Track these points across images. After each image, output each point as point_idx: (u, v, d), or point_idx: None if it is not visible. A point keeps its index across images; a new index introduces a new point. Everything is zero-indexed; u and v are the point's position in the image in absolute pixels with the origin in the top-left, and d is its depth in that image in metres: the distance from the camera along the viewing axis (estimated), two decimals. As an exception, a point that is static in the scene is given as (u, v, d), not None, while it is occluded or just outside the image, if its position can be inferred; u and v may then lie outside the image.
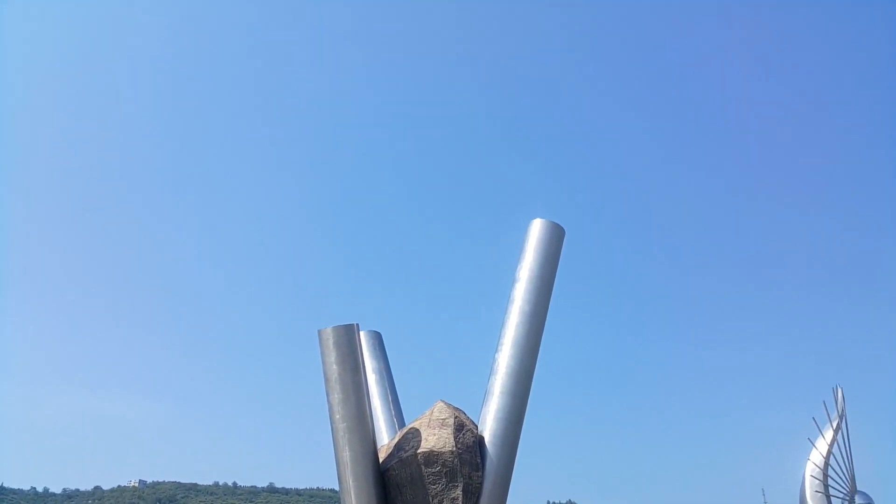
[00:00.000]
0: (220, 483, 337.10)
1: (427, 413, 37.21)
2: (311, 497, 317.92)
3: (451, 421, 36.40)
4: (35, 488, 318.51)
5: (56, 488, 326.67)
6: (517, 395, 37.37)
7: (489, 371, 37.60)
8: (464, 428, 36.66)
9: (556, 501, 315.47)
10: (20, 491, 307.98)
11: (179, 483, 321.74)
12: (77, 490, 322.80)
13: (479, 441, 37.00)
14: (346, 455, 33.52)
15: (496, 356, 37.95)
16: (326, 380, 36.38)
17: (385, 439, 38.70)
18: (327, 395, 35.70)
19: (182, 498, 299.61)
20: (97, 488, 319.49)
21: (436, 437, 35.39)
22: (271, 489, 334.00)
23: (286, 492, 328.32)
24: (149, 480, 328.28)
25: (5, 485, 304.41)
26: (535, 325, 36.34)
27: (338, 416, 34.81)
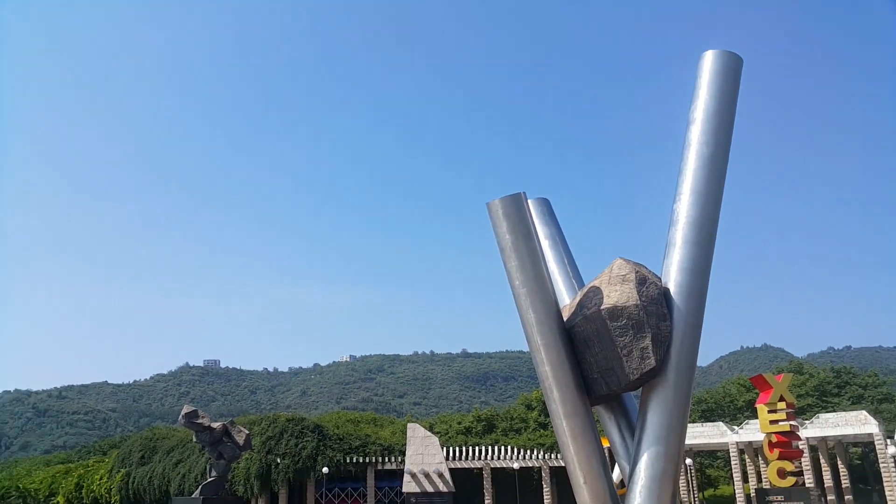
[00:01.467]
0: (420, 352, 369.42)
1: (606, 271, 37.66)
2: (503, 359, 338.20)
3: (633, 276, 36.57)
4: (266, 368, 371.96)
5: (283, 367, 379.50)
6: (701, 244, 36.29)
7: (668, 222, 36.69)
8: (647, 281, 36.75)
9: (751, 346, 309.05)
10: (255, 371, 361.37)
11: (384, 355, 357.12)
12: (300, 367, 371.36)
13: (665, 293, 36.99)
14: (531, 317, 35.38)
15: (675, 206, 36.69)
16: (501, 249, 38.04)
17: (566, 300, 40.07)
18: (504, 263, 37.39)
19: (388, 367, 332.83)
20: (316, 365, 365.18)
21: (618, 293, 35.92)
22: (465, 354, 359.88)
23: (479, 356, 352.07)
24: (358, 355, 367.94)
25: (244, 367, 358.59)
26: (716, 169, 34.28)
27: (517, 282, 36.54)
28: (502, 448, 63.03)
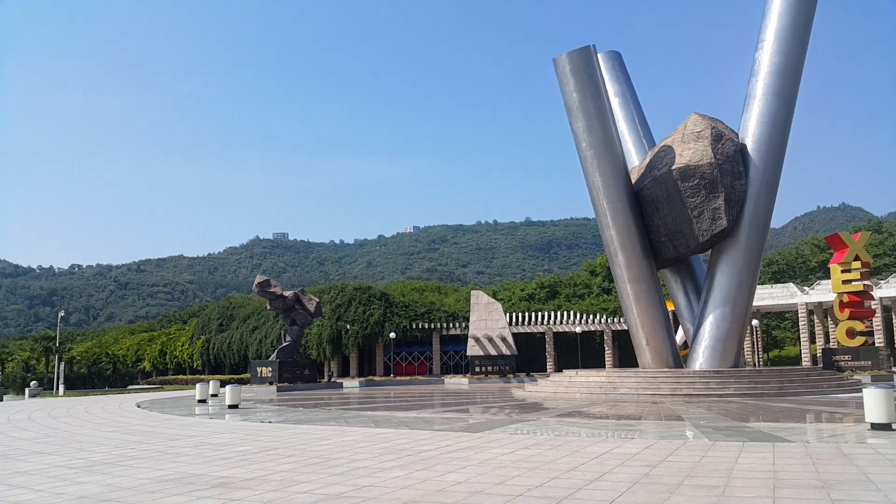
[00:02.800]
0: (482, 222, 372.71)
1: (679, 128, 36.09)
2: (566, 227, 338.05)
3: (708, 132, 35.04)
4: (333, 240, 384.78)
5: (349, 239, 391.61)
6: (783, 95, 34.15)
7: (749, 73, 34.30)
8: (722, 138, 35.22)
9: (828, 205, 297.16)
10: (322, 244, 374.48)
11: (447, 225, 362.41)
12: (366, 239, 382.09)
13: (741, 149, 35.45)
14: (597, 180, 34.81)
15: (757, 55, 34.32)
16: (568, 109, 36.80)
17: (635, 161, 38.97)
18: (571, 124, 36.29)
19: (451, 237, 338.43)
20: (381, 236, 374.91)
21: (691, 151, 34.64)
22: (528, 223, 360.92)
23: (542, 224, 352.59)
24: (421, 226, 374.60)
25: (311, 240, 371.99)
26: (803, 12, 31.46)
27: (584, 144, 35.63)
28: (565, 313, 64.52)
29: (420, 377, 58.94)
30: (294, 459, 11.94)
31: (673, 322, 35.79)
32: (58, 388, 56.75)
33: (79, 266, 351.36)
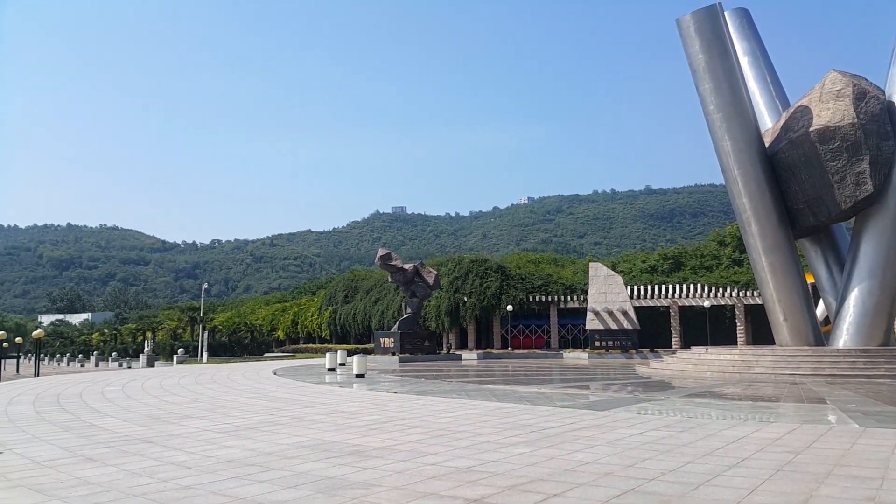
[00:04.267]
0: (599, 191, 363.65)
1: (817, 87, 33.26)
2: (691, 194, 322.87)
3: (849, 90, 32.07)
4: (449, 213, 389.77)
5: (464, 212, 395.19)
6: (942, 43, 30.34)
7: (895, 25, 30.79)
8: (866, 95, 32.10)
9: None
10: (439, 216, 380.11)
11: (562, 196, 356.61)
12: (480, 211, 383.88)
13: (888, 108, 32.12)
14: (727, 145, 32.81)
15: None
16: (693, 71, 34.86)
17: (768, 123, 36.32)
18: (697, 86, 34.36)
19: (567, 207, 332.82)
20: (495, 208, 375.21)
21: (830, 112, 31.86)
22: (648, 191, 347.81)
23: (664, 192, 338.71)
24: (536, 196, 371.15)
25: (428, 213, 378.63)
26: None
27: (711, 107, 33.65)
28: (691, 286, 61.80)
29: (538, 350, 58.78)
30: (420, 430, 12.24)
31: (813, 296, 33.36)
32: (202, 356, 61.63)
33: (218, 241, 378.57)
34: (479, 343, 66.55)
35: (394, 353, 44.06)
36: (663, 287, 62.35)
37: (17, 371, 41.92)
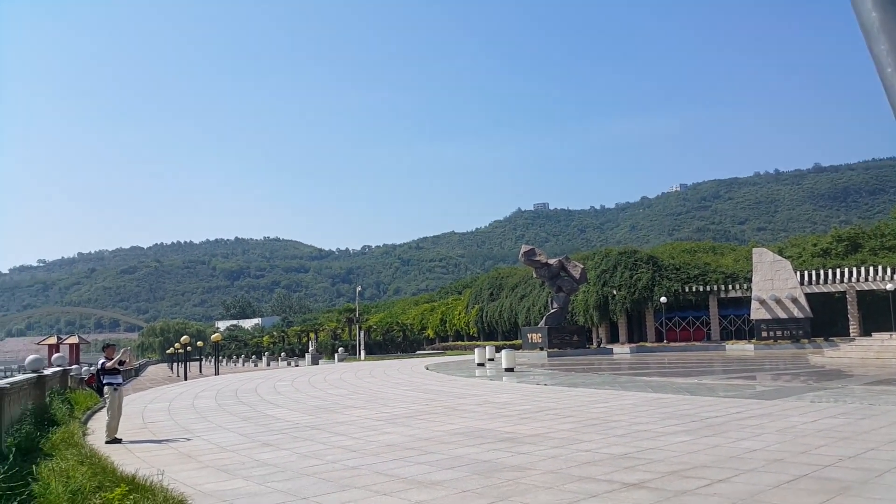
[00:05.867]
0: (761, 172, 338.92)
1: None
2: (866, 170, 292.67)
3: None
4: (594, 206, 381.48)
5: (610, 204, 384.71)
6: None
7: None
8: None
9: None
10: (583, 211, 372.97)
11: (718, 180, 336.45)
12: (627, 202, 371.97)
13: None
14: (909, 111, 29.39)
15: None
16: (866, 31, 31.25)
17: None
18: (870, 48, 30.97)
19: (724, 192, 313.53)
20: (644, 198, 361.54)
21: None
22: (817, 169, 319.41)
23: (835, 169, 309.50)
24: (689, 183, 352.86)
25: (571, 207, 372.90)
26: None
27: (889, 70, 30.17)
28: (871, 269, 56.00)
29: (696, 343, 55.94)
30: (573, 420, 12.16)
31: None
32: (359, 353, 64.93)
33: (369, 247, 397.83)
34: (631, 337, 64.49)
35: (542, 349, 43.85)
36: (838, 271, 57.01)
37: (200, 371, 46.58)
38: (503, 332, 78.24)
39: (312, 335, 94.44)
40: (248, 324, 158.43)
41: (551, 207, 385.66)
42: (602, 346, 55.21)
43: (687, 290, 61.61)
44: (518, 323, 72.51)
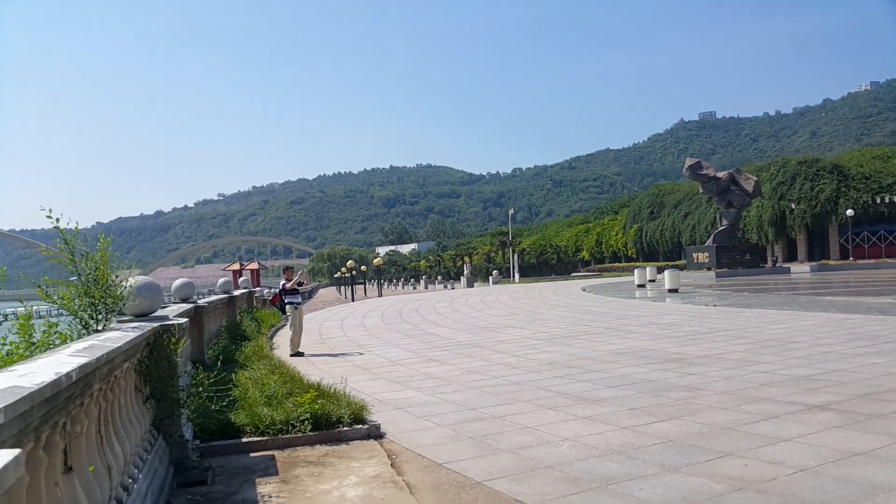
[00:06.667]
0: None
1: None
2: None
3: None
4: (767, 113, 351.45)
5: (786, 109, 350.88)
6: None
7: None
8: None
9: None
10: (755, 118, 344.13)
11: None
12: (807, 106, 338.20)
13: None
14: None
15: None
16: None
17: None
18: None
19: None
20: (826, 100, 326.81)
21: None
22: None
23: None
24: (881, 80, 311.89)
25: (741, 115, 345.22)
26: None
27: None
28: None
29: (889, 260, 50.60)
30: (747, 341, 11.60)
31: None
32: (513, 276, 65.78)
33: (519, 169, 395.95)
34: (812, 255, 59.57)
35: (709, 269, 41.79)
36: None
37: (365, 293, 49.67)
38: (664, 253, 75.53)
39: (466, 259, 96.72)
40: (405, 249, 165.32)
41: (718, 116, 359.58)
42: (778, 265, 51.57)
43: (878, 201, 55.53)
44: (681, 242, 69.55)
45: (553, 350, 11.74)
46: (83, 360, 2.80)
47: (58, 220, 4.43)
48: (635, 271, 33.90)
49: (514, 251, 74.70)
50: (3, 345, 3.83)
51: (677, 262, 60.18)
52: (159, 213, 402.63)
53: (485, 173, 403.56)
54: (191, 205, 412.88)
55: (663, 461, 5.06)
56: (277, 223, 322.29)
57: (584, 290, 31.96)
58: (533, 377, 9.08)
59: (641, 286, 32.00)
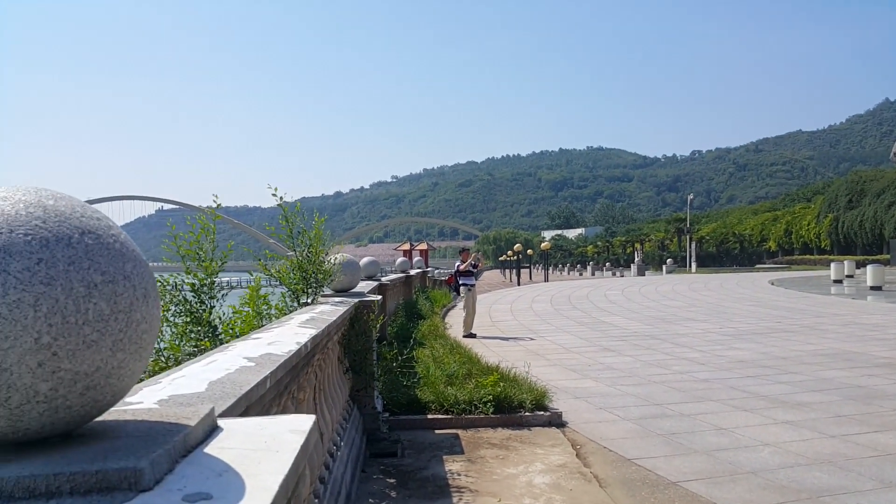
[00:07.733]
0: None
1: None
2: None
3: None
4: None
5: None
6: None
7: None
8: None
9: None
10: None
11: None
12: None
13: None
14: None
15: None
16: None
17: None
18: None
19: None
20: None
21: None
22: None
23: None
24: None
25: None
26: None
27: None
28: None
29: None
30: (979, 351, 10.14)
31: None
32: (690, 265, 62.45)
33: (699, 152, 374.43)
34: None
35: (922, 266, 37.07)
36: None
37: (530, 277, 49.59)
38: (862, 246, 68.13)
39: (637, 245, 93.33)
40: (571, 233, 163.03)
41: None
42: None
43: None
44: (883, 235, 62.35)
45: (743, 347, 11.01)
46: (313, 332, 3.04)
47: (282, 197, 4.84)
48: (832, 265, 30.89)
49: (691, 239, 70.89)
50: (239, 314, 4.27)
51: (878, 257, 54.09)
52: (338, 194, 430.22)
53: (660, 156, 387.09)
54: (367, 186, 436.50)
55: (882, 476, 4.57)
56: (445, 205, 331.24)
57: (771, 284, 29.67)
58: (722, 375, 8.57)
59: (838, 282, 29.12)
